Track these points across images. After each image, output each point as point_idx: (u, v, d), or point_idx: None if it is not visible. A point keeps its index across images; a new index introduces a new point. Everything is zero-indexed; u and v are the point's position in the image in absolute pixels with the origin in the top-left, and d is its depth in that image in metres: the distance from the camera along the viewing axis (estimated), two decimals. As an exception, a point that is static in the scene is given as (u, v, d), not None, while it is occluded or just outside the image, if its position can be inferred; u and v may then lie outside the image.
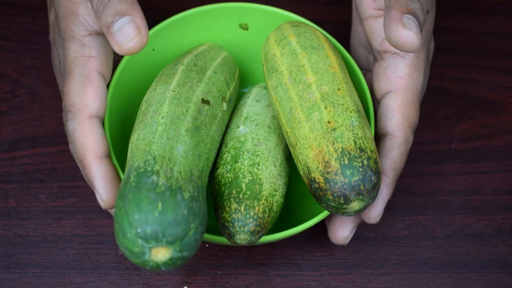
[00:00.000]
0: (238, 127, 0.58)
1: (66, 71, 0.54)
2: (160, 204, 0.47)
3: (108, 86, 0.57)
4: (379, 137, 0.58)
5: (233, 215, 0.52)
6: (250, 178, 0.54)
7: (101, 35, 0.55)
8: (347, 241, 0.58)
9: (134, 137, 0.53)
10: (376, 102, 0.60)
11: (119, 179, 0.54)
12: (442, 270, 0.63)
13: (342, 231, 0.58)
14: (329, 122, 0.52)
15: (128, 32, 0.50)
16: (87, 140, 0.53)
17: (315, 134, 0.52)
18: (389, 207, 0.65)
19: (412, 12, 0.52)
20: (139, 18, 0.50)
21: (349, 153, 0.51)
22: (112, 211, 0.55)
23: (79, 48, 0.54)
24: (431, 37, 0.60)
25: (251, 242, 0.53)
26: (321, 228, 0.61)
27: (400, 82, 0.58)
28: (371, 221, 0.57)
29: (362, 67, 0.63)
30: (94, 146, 0.53)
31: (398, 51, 0.57)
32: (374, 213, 0.57)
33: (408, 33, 0.51)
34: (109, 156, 0.54)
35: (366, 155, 0.51)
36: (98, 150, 0.53)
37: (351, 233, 0.58)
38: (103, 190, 0.53)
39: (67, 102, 0.54)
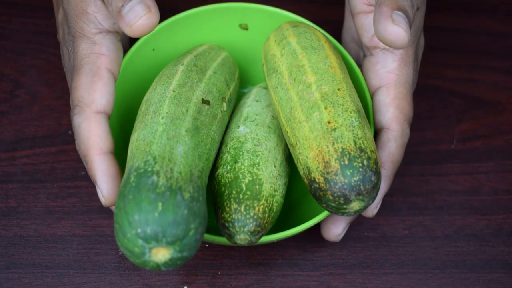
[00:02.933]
0: (238, 127, 0.58)
1: (75, 67, 0.55)
2: (160, 204, 0.47)
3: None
4: (375, 133, 0.58)
5: (233, 215, 0.52)
6: (250, 178, 0.54)
7: (111, 33, 0.55)
8: (340, 238, 0.59)
9: (134, 137, 0.53)
10: None
11: (122, 176, 0.54)
12: (442, 270, 0.63)
13: (335, 228, 0.58)
14: (329, 122, 0.52)
15: (138, 11, 0.51)
16: (92, 135, 0.53)
17: (315, 134, 0.52)
18: (389, 207, 0.65)
19: (402, 9, 0.52)
20: (149, 0, 0.51)
21: (349, 153, 0.51)
22: (113, 208, 0.55)
23: (89, 45, 0.54)
24: (421, 34, 0.60)
25: (251, 242, 0.53)
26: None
27: (391, 76, 0.58)
28: (368, 215, 0.57)
29: None
30: (99, 141, 0.53)
31: (387, 46, 0.58)
32: (371, 206, 0.57)
33: (398, 30, 0.51)
34: (113, 153, 0.54)
35: (366, 155, 0.51)
36: (103, 146, 0.53)
37: (344, 230, 0.58)
38: (105, 186, 0.53)
39: (75, 97, 0.54)
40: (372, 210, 0.57)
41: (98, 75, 0.54)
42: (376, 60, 0.58)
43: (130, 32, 0.51)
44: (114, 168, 0.53)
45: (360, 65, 0.62)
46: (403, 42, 0.52)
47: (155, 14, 0.51)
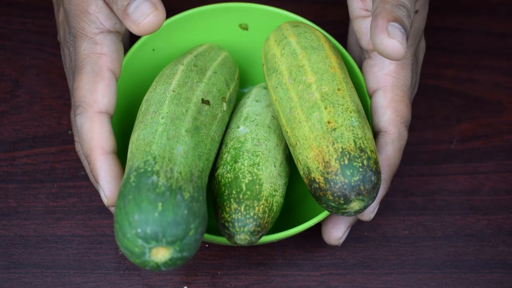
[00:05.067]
0: (238, 127, 0.58)
1: (77, 68, 0.54)
2: (160, 204, 0.47)
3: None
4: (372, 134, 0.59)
5: (233, 215, 0.52)
6: (250, 178, 0.54)
7: (113, 33, 0.55)
8: (341, 241, 0.59)
9: (134, 137, 0.53)
10: None
11: None
12: (442, 270, 0.63)
13: (335, 232, 0.58)
14: (329, 122, 0.52)
15: (145, 9, 0.51)
16: (95, 135, 0.53)
17: (315, 134, 0.52)
18: (389, 207, 0.65)
19: (398, 20, 0.52)
20: None
21: (349, 153, 0.51)
22: (113, 209, 0.55)
23: (90, 45, 0.54)
24: (422, 36, 0.60)
25: (251, 242, 0.53)
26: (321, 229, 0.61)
27: (388, 79, 0.58)
28: (365, 218, 0.57)
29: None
30: (102, 141, 0.53)
31: None
32: (368, 210, 0.57)
33: (393, 43, 0.51)
34: (116, 153, 0.54)
35: (366, 155, 0.51)
36: (106, 146, 0.53)
37: (345, 234, 0.58)
38: (107, 186, 0.52)
39: (77, 97, 0.54)
40: (369, 214, 0.57)
41: (100, 75, 0.54)
42: (374, 62, 0.59)
43: (137, 30, 0.51)
44: (117, 168, 0.53)
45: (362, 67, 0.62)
46: (400, 54, 0.52)
47: (161, 12, 0.51)
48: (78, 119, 0.54)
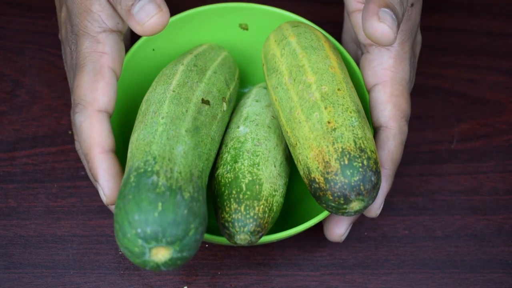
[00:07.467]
0: (238, 127, 0.58)
1: (78, 66, 0.54)
2: (160, 204, 0.47)
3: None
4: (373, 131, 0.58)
5: (233, 215, 0.52)
6: (250, 178, 0.54)
7: (115, 33, 0.55)
8: (343, 238, 0.59)
9: (134, 137, 0.53)
10: None
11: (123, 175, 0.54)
12: (442, 270, 0.63)
13: (337, 229, 0.58)
14: (329, 122, 0.52)
15: (149, 10, 0.51)
16: (94, 134, 0.53)
17: (315, 134, 0.52)
18: (389, 207, 0.65)
19: (390, 6, 0.52)
20: None
21: (349, 153, 0.51)
22: (113, 208, 0.55)
23: (92, 44, 0.54)
24: (418, 30, 0.60)
25: (251, 242, 0.53)
26: (321, 228, 0.61)
27: (387, 73, 0.58)
28: (371, 215, 0.57)
29: None
30: (101, 139, 0.53)
31: None
32: (374, 207, 0.57)
33: (383, 27, 0.51)
34: (114, 152, 0.54)
35: (366, 155, 0.51)
36: (105, 144, 0.53)
37: (347, 231, 0.58)
38: (106, 184, 0.52)
39: (77, 95, 0.54)
40: (375, 210, 0.57)
41: (100, 73, 0.54)
42: (372, 57, 0.58)
43: (141, 31, 0.51)
44: (116, 166, 0.53)
45: (357, 64, 0.62)
46: (389, 39, 0.51)
47: (166, 13, 0.51)
48: (78, 117, 0.54)
